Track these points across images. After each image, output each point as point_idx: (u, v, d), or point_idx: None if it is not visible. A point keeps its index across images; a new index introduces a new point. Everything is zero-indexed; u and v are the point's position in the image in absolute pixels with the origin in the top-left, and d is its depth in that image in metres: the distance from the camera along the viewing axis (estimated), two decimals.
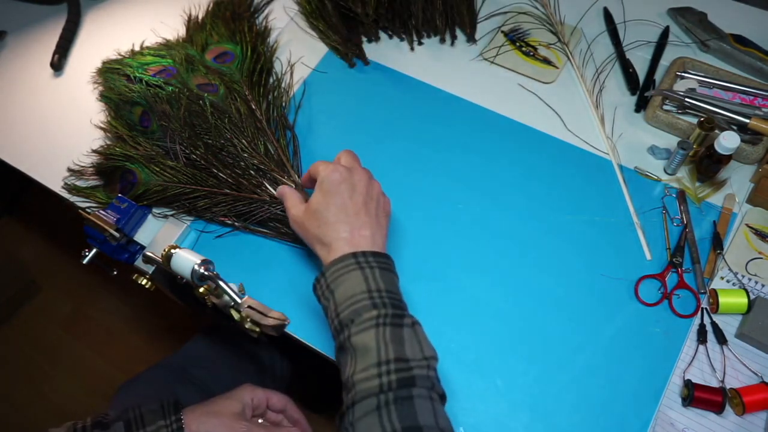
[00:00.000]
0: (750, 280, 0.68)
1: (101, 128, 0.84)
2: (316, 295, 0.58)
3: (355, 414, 0.49)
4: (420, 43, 0.91)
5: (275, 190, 0.72)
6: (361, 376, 0.50)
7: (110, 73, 0.85)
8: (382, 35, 0.92)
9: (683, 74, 0.81)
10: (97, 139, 0.84)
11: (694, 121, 0.77)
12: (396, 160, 0.79)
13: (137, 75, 0.81)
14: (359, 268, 0.55)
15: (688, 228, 0.71)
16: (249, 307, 0.61)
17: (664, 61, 0.85)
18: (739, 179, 0.75)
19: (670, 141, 0.78)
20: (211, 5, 0.94)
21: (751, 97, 0.78)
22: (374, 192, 0.62)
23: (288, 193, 0.67)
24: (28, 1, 1.01)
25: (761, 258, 0.69)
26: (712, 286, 0.68)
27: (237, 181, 0.73)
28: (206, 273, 0.60)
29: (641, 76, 0.84)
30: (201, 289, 0.60)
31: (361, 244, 0.58)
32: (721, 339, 0.64)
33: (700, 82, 0.80)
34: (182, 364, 0.84)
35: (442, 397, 0.52)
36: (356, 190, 0.61)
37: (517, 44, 0.88)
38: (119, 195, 0.73)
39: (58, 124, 0.87)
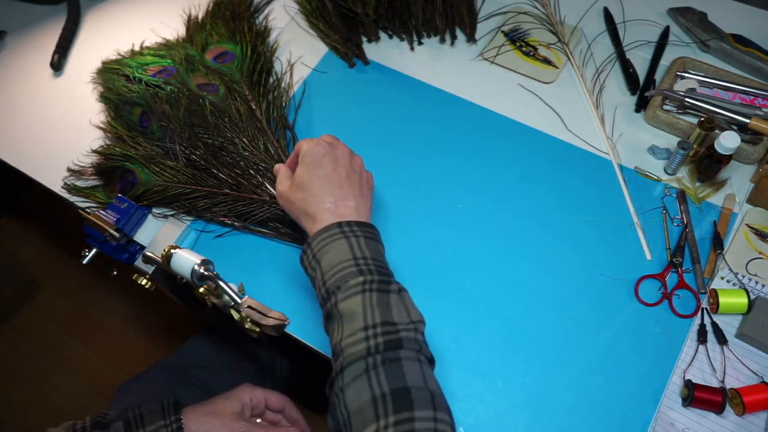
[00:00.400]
0: (750, 280, 0.68)
1: (101, 128, 0.84)
2: (303, 267, 0.58)
3: (345, 379, 0.49)
4: (420, 43, 0.91)
5: (275, 190, 0.72)
6: (348, 340, 0.51)
7: (109, 73, 0.85)
8: (382, 35, 0.92)
9: (683, 74, 0.81)
10: (97, 139, 0.84)
11: (694, 121, 0.77)
12: (396, 160, 0.79)
13: (136, 75, 0.81)
14: (344, 237, 0.56)
15: (689, 228, 0.71)
16: (249, 307, 0.61)
17: (664, 61, 0.85)
18: (739, 179, 0.75)
19: (670, 141, 0.78)
20: (211, 5, 0.94)
21: (751, 97, 0.78)
22: (357, 165, 0.64)
23: (281, 171, 0.67)
24: (28, 1, 1.01)
25: (761, 258, 0.69)
26: (712, 286, 0.68)
27: (237, 181, 0.73)
28: (206, 273, 0.60)
29: (641, 76, 0.84)
30: (201, 289, 0.60)
31: (345, 215, 0.58)
32: (722, 339, 0.64)
33: (700, 82, 0.80)
34: (182, 364, 0.84)
35: (431, 361, 0.53)
36: (339, 163, 0.62)
37: (517, 44, 0.88)
38: (119, 195, 0.73)
39: (58, 124, 0.87)
